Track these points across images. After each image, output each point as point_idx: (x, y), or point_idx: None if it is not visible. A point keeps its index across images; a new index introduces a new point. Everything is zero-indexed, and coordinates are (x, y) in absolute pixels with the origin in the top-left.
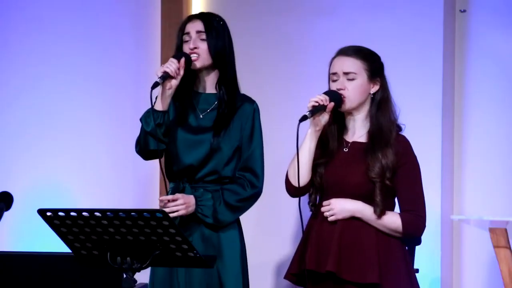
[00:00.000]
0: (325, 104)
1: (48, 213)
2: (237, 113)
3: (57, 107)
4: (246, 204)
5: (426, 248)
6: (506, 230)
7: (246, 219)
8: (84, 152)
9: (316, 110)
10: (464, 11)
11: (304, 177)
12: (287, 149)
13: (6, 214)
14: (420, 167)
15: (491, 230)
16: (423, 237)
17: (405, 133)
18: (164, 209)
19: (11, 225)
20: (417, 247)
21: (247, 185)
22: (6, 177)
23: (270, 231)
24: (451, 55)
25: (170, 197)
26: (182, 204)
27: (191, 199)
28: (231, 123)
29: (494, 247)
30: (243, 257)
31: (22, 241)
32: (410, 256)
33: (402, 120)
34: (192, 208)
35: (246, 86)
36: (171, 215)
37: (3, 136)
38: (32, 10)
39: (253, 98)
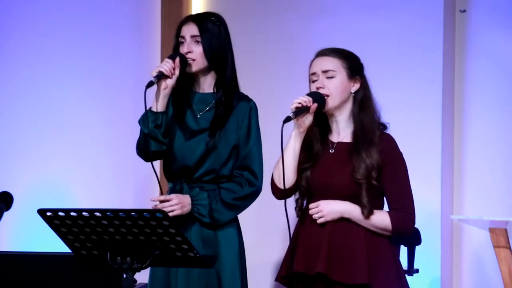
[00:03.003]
0: (309, 105)
1: (48, 213)
2: (233, 112)
3: (57, 107)
4: (243, 202)
5: (426, 248)
6: (506, 230)
7: (245, 219)
8: (84, 152)
9: (300, 111)
10: (464, 11)
11: (290, 179)
12: None
13: (6, 214)
14: (419, 167)
15: (491, 230)
16: (423, 237)
17: (406, 133)
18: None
19: (11, 225)
20: (417, 247)
21: (244, 183)
22: (6, 177)
23: (269, 231)
24: (451, 55)
25: (162, 197)
26: (176, 204)
27: (186, 198)
28: (227, 123)
29: (494, 247)
30: (242, 256)
31: (22, 241)
32: (411, 256)
33: (402, 120)
34: (187, 208)
35: (245, 86)
36: None
37: (3, 136)
38: (32, 10)
39: (253, 97)
